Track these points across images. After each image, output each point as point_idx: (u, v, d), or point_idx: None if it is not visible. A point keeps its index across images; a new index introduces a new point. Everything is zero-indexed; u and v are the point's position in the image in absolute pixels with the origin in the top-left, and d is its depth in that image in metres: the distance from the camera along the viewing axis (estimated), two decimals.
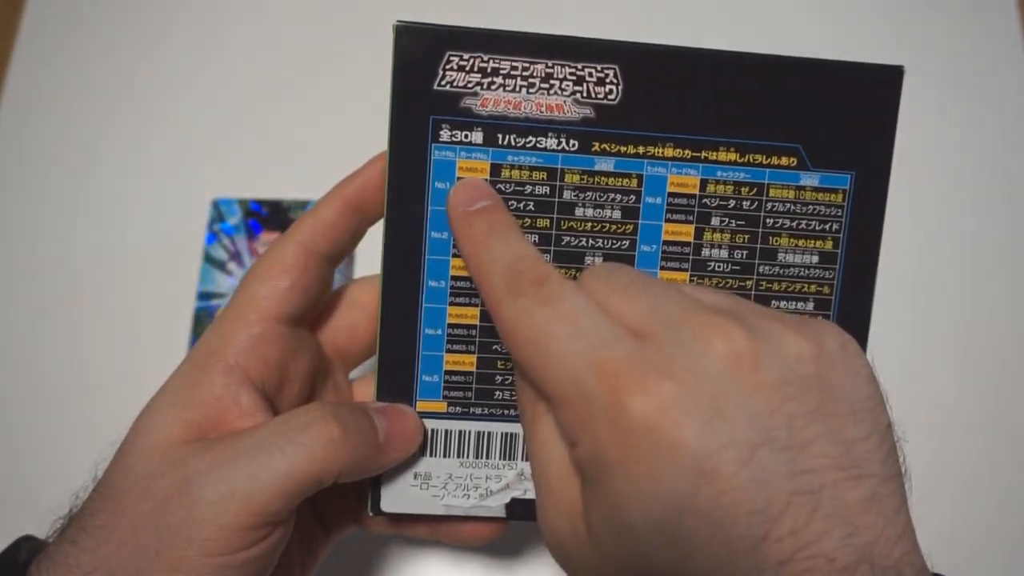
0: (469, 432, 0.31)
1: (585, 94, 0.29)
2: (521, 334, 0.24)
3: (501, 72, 0.29)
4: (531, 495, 0.31)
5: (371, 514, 0.31)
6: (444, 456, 0.31)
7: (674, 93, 0.29)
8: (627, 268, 0.25)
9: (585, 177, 0.30)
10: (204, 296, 0.49)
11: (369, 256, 0.50)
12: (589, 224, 0.30)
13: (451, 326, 0.30)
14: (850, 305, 0.31)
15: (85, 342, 0.48)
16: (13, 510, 0.40)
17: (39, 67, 0.55)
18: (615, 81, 0.29)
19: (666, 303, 0.23)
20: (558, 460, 0.24)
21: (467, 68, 0.29)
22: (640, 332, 0.23)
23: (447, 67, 0.29)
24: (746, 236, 0.30)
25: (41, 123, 0.54)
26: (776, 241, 0.30)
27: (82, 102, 0.54)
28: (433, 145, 0.29)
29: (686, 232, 0.30)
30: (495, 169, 0.29)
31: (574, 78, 0.29)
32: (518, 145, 0.29)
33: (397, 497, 0.31)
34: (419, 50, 0.28)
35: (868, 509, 0.21)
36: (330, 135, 0.53)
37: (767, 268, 0.31)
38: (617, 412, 0.21)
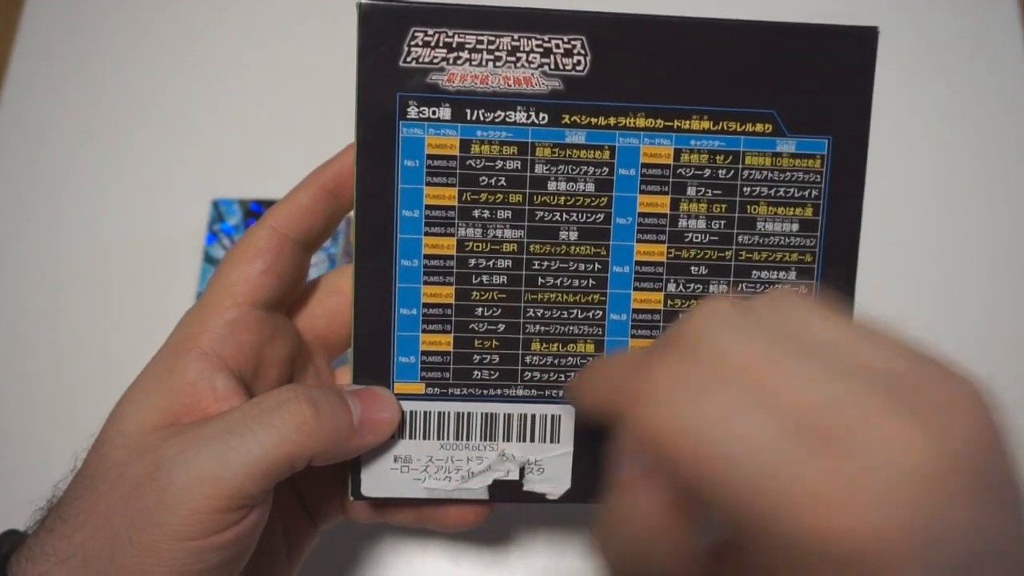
0: (448, 413, 0.30)
1: (553, 66, 0.29)
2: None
3: (467, 46, 0.28)
4: (513, 476, 0.30)
5: (352, 499, 0.30)
6: (424, 438, 0.30)
7: (643, 62, 0.29)
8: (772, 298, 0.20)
9: (556, 150, 0.29)
10: None
11: None
12: (563, 198, 0.29)
13: (426, 305, 0.30)
14: (833, 274, 0.30)
15: (85, 341, 0.49)
16: None
17: (39, 67, 0.56)
18: (583, 52, 0.28)
19: (829, 376, 0.18)
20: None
21: (432, 43, 0.28)
22: (813, 430, 0.18)
23: (412, 43, 0.28)
24: (723, 206, 0.30)
25: (40, 123, 0.54)
26: (754, 210, 0.30)
27: (81, 102, 0.55)
28: (401, 122, 0.29)
29: (662, 203, 0.30)
30: (464, 145, 0.29)
31: (541, 50, 0.28)
32: (487, 120, 0.29)
33: (377, 481, 0.30)
34: (384, 27, 0.28)
35: None
36: (330, 135, 0.52)
37: (746, 238, 0.30)
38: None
